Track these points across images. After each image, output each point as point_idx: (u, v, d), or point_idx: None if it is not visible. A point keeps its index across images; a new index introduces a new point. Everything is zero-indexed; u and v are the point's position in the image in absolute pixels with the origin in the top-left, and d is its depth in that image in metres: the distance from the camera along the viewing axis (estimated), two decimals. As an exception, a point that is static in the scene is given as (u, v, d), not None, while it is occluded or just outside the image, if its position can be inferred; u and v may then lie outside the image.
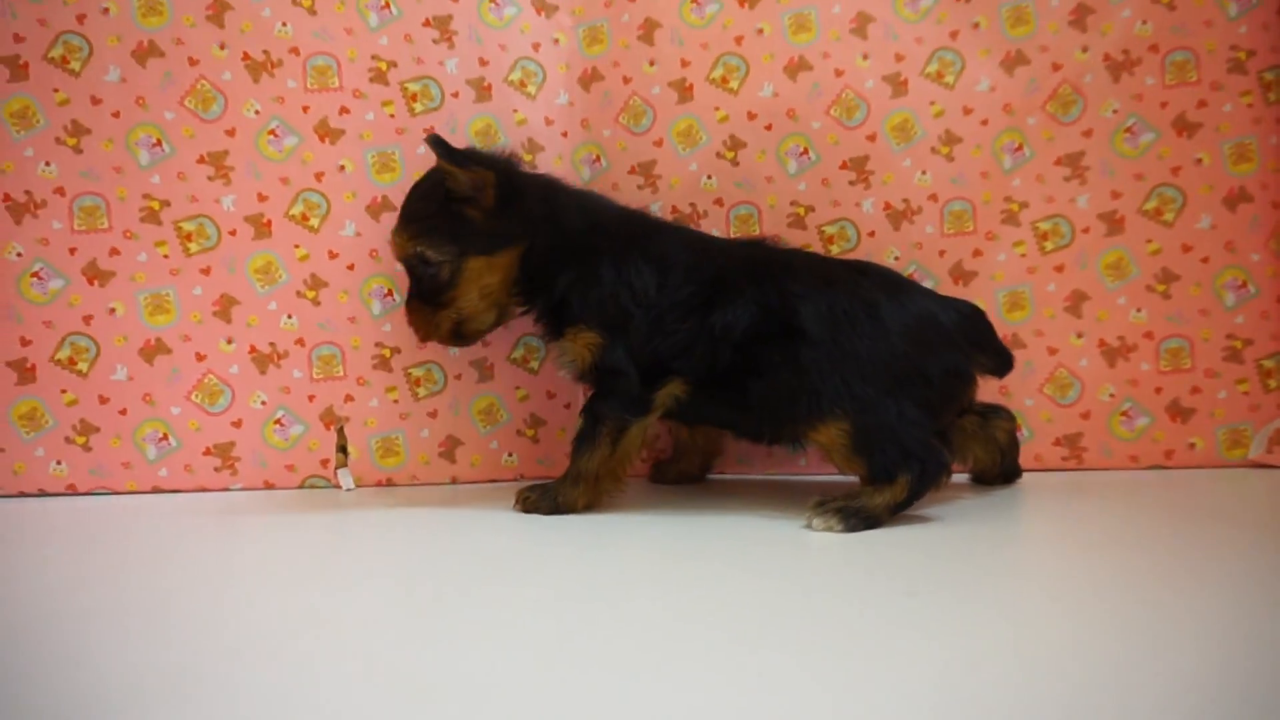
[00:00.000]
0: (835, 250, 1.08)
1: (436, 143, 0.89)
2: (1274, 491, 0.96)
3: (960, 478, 1.01)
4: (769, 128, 1.08)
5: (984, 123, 1.07)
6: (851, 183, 1.08)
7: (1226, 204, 1.06)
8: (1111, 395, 1.07)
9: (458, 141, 1.06)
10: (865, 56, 1.07)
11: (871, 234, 1.08)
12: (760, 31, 1.08)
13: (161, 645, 0.54)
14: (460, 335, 0.95)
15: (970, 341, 0.92)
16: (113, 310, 1.01)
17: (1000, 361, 0.96)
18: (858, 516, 0.81)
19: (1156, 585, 0.63)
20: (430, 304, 0.93)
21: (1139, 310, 1.07)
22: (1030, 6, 1.06)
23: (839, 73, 1.07)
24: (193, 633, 0.56)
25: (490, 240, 0.91)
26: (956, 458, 0.95)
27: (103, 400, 1.01)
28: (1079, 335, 1.07)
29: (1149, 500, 0.92)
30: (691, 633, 0.54)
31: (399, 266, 0.97)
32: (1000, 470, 1.00)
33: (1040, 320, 1.07)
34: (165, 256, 1.02)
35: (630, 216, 0.97)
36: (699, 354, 0.89)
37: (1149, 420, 1.07)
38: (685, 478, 1.07)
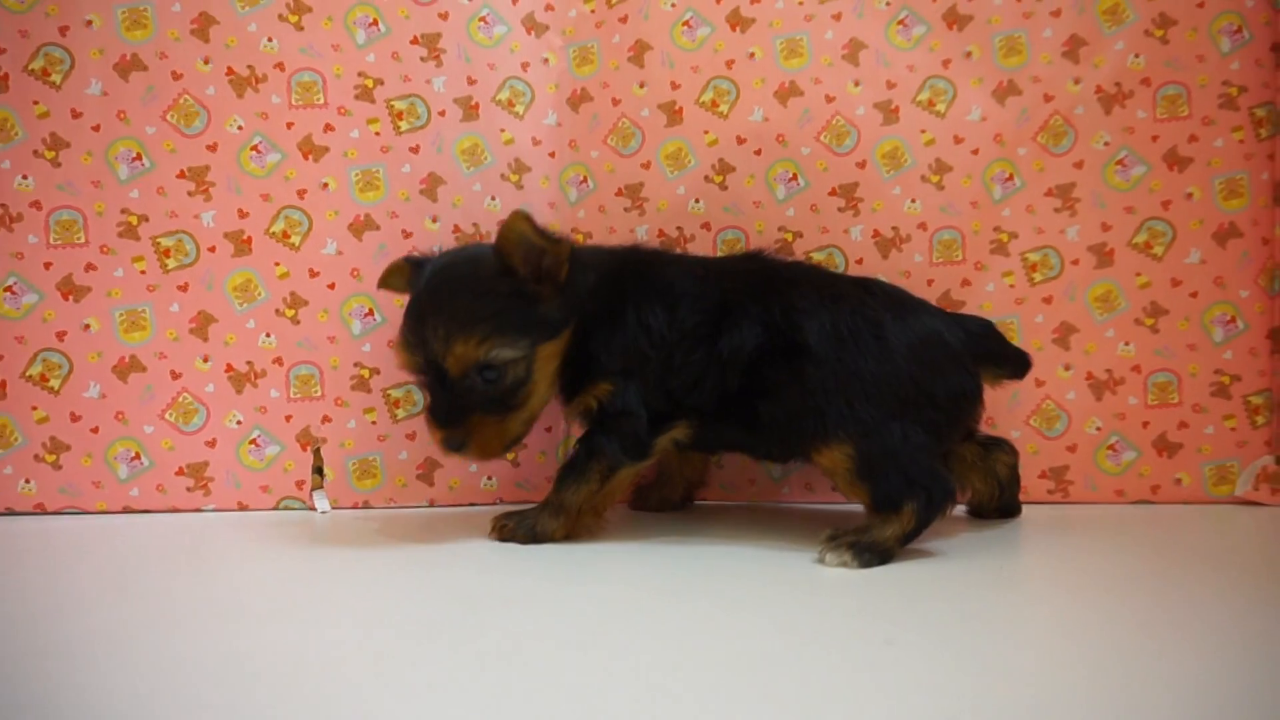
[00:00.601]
0: (823, 277, 1.07)
1: (524, 217, 0.81)
2: (1260, 530, 0.95)
3: (957, 509, 1.00)
4: (758, 152, 1.07)
5: (975, 152, 1.06)
6: (840, 209, 1.07)
7: (1216, 239, 1.05)
8: (1098, 429, 1.06)
9: (444, 161, 1.05)
10: (856, 83, 1.06)
11: (859, 261, 1.07)
12: (751, 56, 1.07)
13: (119, 682, 0.52)
14: (519, 438, 0.88)
15: (980, 358, 0.91)
16: (87, 326, 0.99)
17: (1018, 366, 0.95)
18: (871, 551, 0.79)
19: (1143, 630, 0.62)
20: (498, 412, 0.83)
21: (1127, 344, 1.06)
22: (1023, 37, 1.05)
23: (830, 99, 1.06)
24: (150, 669, 0.54)
25: (555, 322, 0.84)
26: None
27: (74, 418, 0.99)
28: (1066, 368, 1.06)
29: (1135, 538, 0.91)
30: (677, 677, 0.53)
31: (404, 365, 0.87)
32: (998, 504, 0.98)
33: (1028, 351, 1.06)
34: (142, 272, 1.00)
35: (634, 256, 0.94)
36: (710, 384, 0.87)
37: (1135, 454, 1.06)
38: (667, 505, 1.06)
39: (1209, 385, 1.06)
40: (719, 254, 1.08)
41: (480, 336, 0.81)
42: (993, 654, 0.59)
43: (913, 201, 1.06)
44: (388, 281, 0.94)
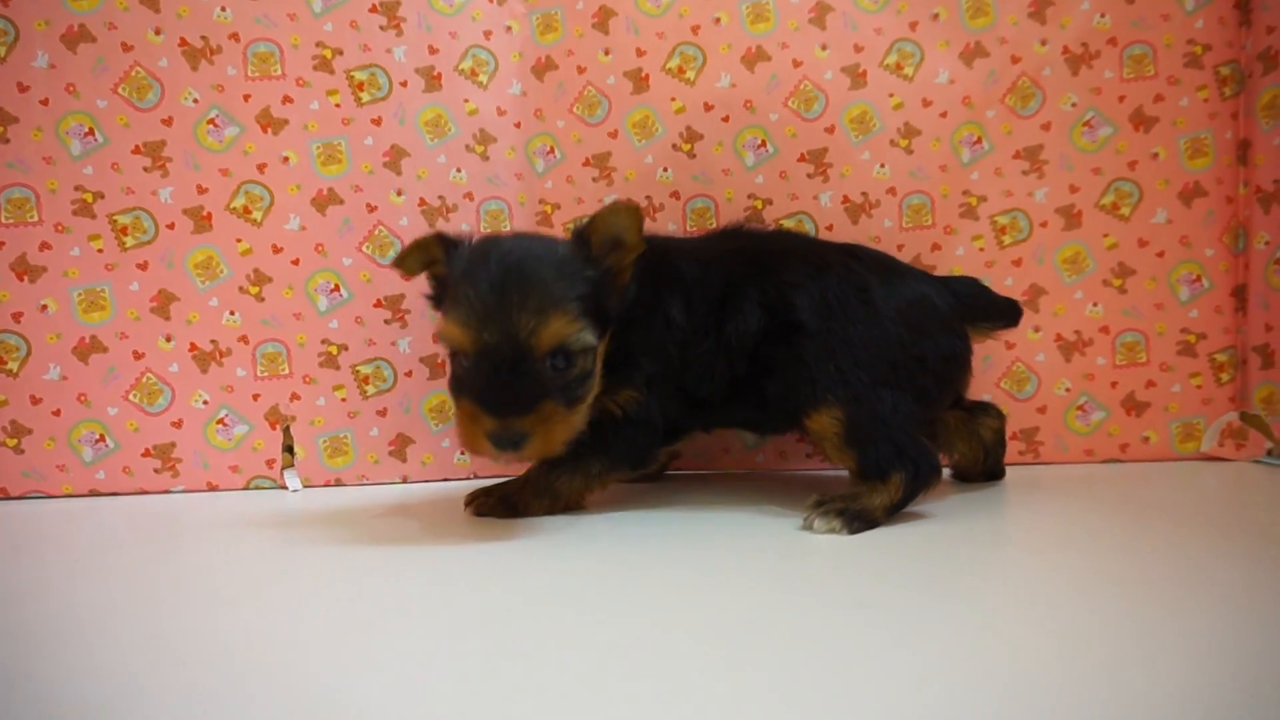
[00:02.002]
0: (793, 244, 1.06)
1: (637, 211, 0.77)
2: (1226, 485, 0.97)
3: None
4: (726, 119, 1.06)
5: (943, 115, 1.05)
6: (810, 175, 1.06)
7: (1182, 199, 1.06)
8: (1068, 389, 1.07)
9: (407, 133, 1.03)
10: (824, 47, 1.05)
11: (830, 227, 1.06)
12: (717, 21, 1.05)
13: (87, 666, 0.51)
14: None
15: (970, 318, 0.91)
16: (44, 307, 0.97)
17: (1010, 314, 0.95)
18: (860, 519, 0.79)
19: (1117, 585, 0.63)
20: (568, 403, 0.77)
21: (1095, 305, 1.07)
22: (989, -3, 1.05)
23: (797, 63, 1.05)
24: (119, 654, 0.54)
25: (610, 320, 0.81)
26: (940, 450, 0.94)
27: (35, 401, 0.97)
28: (1036, 330, 1.07)
29: (1106, 496, 0.92)
30: (665, 646, 0.53)
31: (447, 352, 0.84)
32: (984, 468, 0.98)
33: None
34: (100, 251, 0.98)
35: (654, 247, 0.85)
36: (720, 372, 0.87)
37: (1104, 414, 1.07)
38: (644, 476, 1.05)
39: (1175, 344, 1.07)
40: (688, 224, 1.07)
41: (573, 315, 0.75)
42: (968, 614, 0.59)
43: (882, 166, 1.06)
44: (408, 259, 0.81)
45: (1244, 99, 1.05)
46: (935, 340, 0.87)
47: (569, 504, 0.88)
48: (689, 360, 0.86)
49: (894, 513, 0.81)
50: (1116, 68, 1.05)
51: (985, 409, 0.99)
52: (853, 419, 0.82)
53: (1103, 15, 1.04)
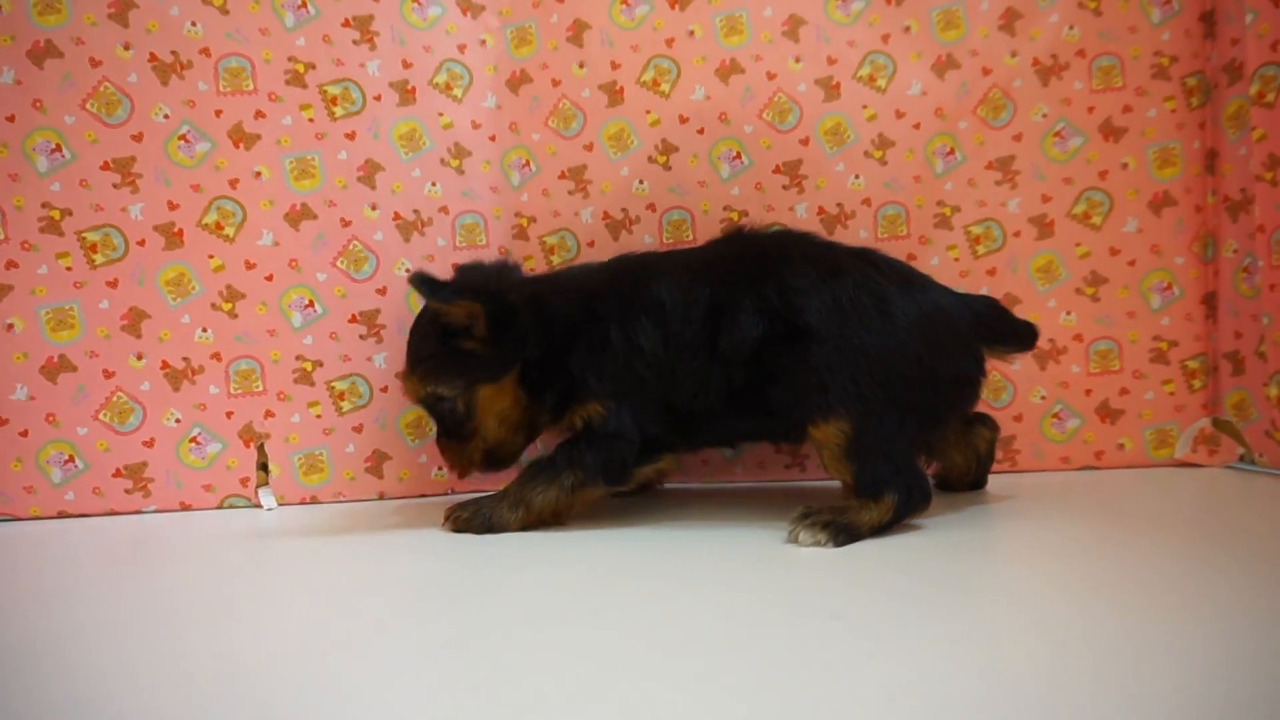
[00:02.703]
0: (770, 256, 1.07)
1: (421, 282, 0.84)
2: (1200, 490, 0.97)
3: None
4: (701, 131, 1.06)
5: (916, 126, 1.06)
6: (785, 187, 1.06)
7: (1152, 208, 1.07)
8: (1043, 397, 1.08)
9: (381, 147, 1.03)
10: (797, 59, 1.06)
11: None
12: (691, 34, 1.06)
13: (55, 692, 0.50)
14: (496, 461, 0.93)
15: (986, 339, 0.89)
16: (10, 326, 0.95)
17: (1024, 339, 0.93)
18: (845, 532, 0.78)
19: (1096, 593, 0.63)
20: (457, 439, 0.91)
21: (1069, 313, 1.08)
22: (960, 10, 1.06)
23: (771, 76, 1.06)
24: (89, 679, 0.52)
25: (494, 366, 0.88)
26: (935, 461, 0.95)
27: (1, 421, 0.95)
28: (1011, 339, 1.08)
29: (1083, 504, 0.93)
30: (647, 662, 0.52)
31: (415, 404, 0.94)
32: (972, 478, 0.98)
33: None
34: (68, 269, 0.96)
35: (615, 271, 0.92)
36: (714, 385, 0.86)
37: (1080, 422, 1.08)
38: (622, 490, 1.05)
39: (1148, 351, 1.08)
40: (665, 236, 1.07)
41: (420, 375, 0.90)
42: (945, 624, 0.59)
43: (856, 177, 1.06)
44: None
45: (1210, 109, 1.06)
46: (952, 359, 0.85)
47: (544, 517, 0.87)
48: (677, 381, 0.86)
49: (879, 533, 0.80)
50: (1086, 79, 1.06)
51: (982, 419, 0.98)
52: (858, 433, 0.81)
53: (1071, 27, 1.06)
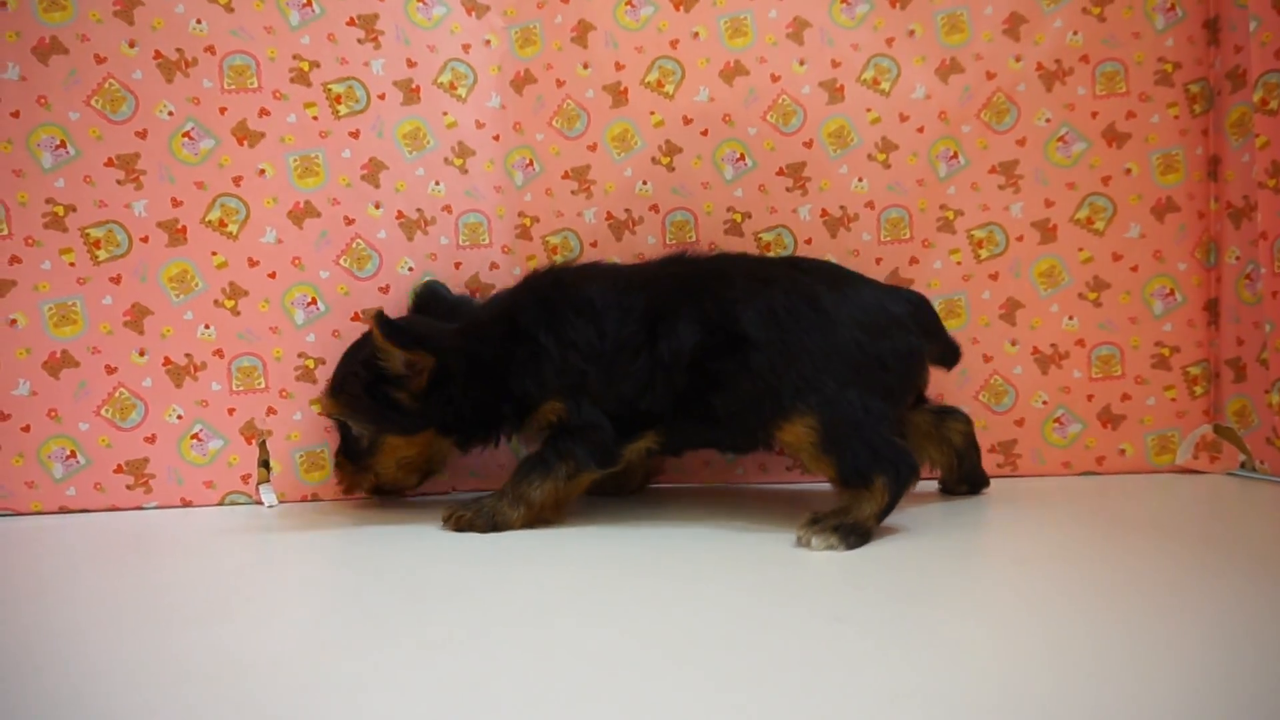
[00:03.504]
0: (772, 258, 1.07)
1: (382, 322, 0.85)
2: (1201, 497, 0.98)
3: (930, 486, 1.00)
4: (705, 133, 1.06)
5: (920, 130, 1.06)
6: (788, 189, 1.06)
7: (1155, 213, 1.07)
8: (1044, 402, 1.08)
9: (385, 146, 1.03)
10: (801, 62, 1.06)
11: (809, 241, 1.07)
12: (696, 35, 1.06)
13: (55, 687, 0.50)
14: (383, 493, 0.99)
15: (920, 328, 0.91)
16: (13, 322, 0.95)
17: (948, 352, 0.96)
18: (855, 533, 0.78)
19: (1097, 599, 0.63)
20: (352, 462, 0.95)
21: (1071, 318, 1.08)
22: (965, 15, 1.06)
23: (775, 78, 1.06)
24: (87, 675, 0.53)
25: (410, 421, 0.91)
26: None
27: (3, 417, 0.95)
28: (1013, 343, 1.08)
29: (1084, 509, 0.93)
30: (647, 661, 0.52)
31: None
32: (961, 475, 0.99)
33: (975, 328, 1.08)
34: (71, 265, 0.96)
35: (533, 284, 0.94)
36: (660, 387, 0.87)
37: (1081, 427, 1.08)
38: (623, 490, 1.05)
39: (1150, 357, 1.08)
40: (668, 236, 1.07)
41: (338, 403, 0.92)
42: (945, 628, 0.59)
43: (860, 180, 1.06)
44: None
45: (1214, 116, 1.06)
46: (892, 339, 0.87)
47: (544, 511, 0.88)
48: (618, 375, 0.88)
49: (883, 518, 0.81)
50: (1089, 84, 1.06)
51: (953, 413, 0.99)
52: (826, 425, 0.82)
53: (1075, 33, 1.06)
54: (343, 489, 0.98)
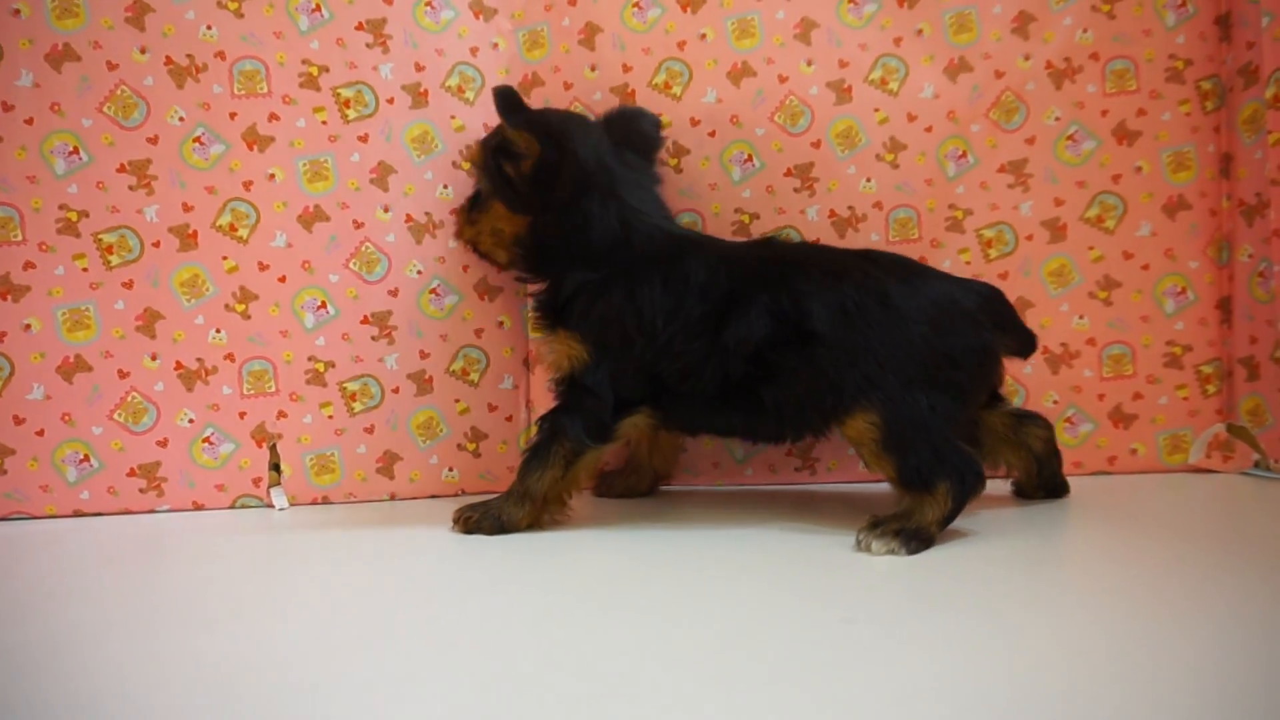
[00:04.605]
0: (781, 259, 1.06)
1: (504, 97, 0.89)
2: (1214, 496, 0.97)
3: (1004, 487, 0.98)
4: (712, 134, 1.06)
5: (928, 130, 1.06)
6: (796, 190, 1.06)
7: (1166, 212, 1.06)
8: (1055, 402, 1.07)
9: (394, 150, 1.03)
10: (809, 63, 1.06)
11: (817, 241, 1.06)
12: (703, 37, 1.06)
13: (70, 689, 0.51)
14: (476, 250, 1.02)
15: (993, 321, 0.88)
16: (28, 326, 0.96)
17: (1023, 342, 0.93)
18: (917, 538, 0.77)
19: (1112, 599, 0.63)
20: (468, 213, 1.00)
21: (1081, 317, 1.07)
22: (973, 14, 1.06)
23: (783, 79, 1.06)
24: (102, 677, 0.53)
25: (515, 199, 0.94)
26: (986, 460, 0.91)
27: (18, 421, 0.96)
28: (1023, 343, 1.07)
29: (1096, 509, 0.92)
30: (657, 662, 0.52)
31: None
32: (1040, 481, 0.96)
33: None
34: (84, 270, 0.97)
35: (664, 237, 0.92)
36: (710, 372, 0.86)
37: (1092, 426, 1.07)
38: (633, 492, 1.05)
39: (1161, 356, 1.07)
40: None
41: (472, 150, 1.00)
42: (958, 628, 0.59)
43: (868, 180, 1.06)
44: None
45: (1225, 113, 1.06)
46: (963, 336, 0.85)
47: (549, 502, 0.88)
48: (671, 354, 0.87)
49: (946, 524, 0.80)
50: (1099, 82, 1.06)
51: (1033, 418, 0.95)
52: (890, 422, 0.81)
53: (1085, 31, 1.05)
54: (454, 233, 1.04)
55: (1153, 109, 1.06)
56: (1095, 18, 1.05)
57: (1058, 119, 1.06)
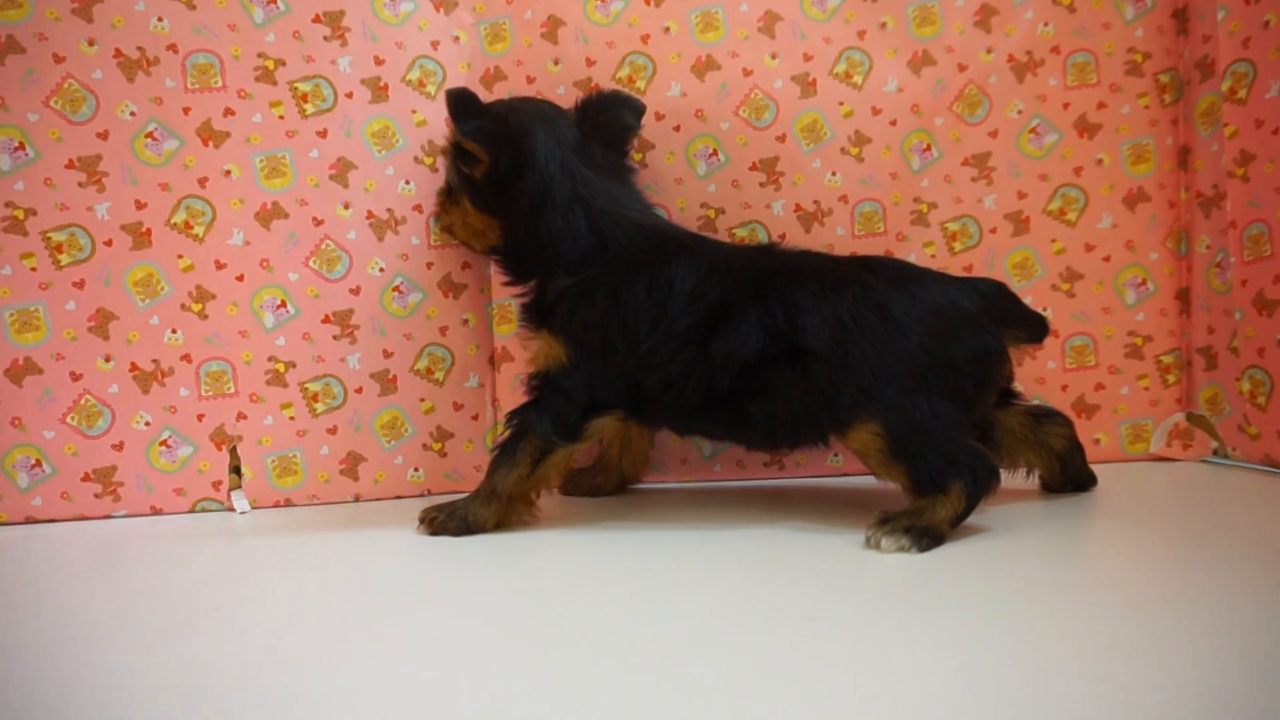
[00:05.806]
0: (747, 253, 1.06)
1: (456, 100, 0.88)
2: (1175, 484, 0.98)
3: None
4: (677, 128, 1.05)
5: (893, 123, 1.06)
6: (762, 184, 1.06)
7: (1126, 204, 1.08)
8: (1020, 393, 1.08)
9: (354, 145, 1.01)
10: (773, 56, 1.05)
11: (783, 236, 1.06)
12: (667, 30, 1.05)
13: (21, 701, 0.49)
14: (455, 237, 1.01)
15: (997, 320, 0.86)
16: (-26, 329, 0.93)
17: (1034, 329, 0.90)
18: (929, 536, 0.76)
19: (1078, 590, 0.63)
20: (444, 199, 0.99)
21: (1045, 309, 1.08)
22: (936, 7, 1.06)
23: (747, 72, 1.05)
24: (55, 687, 0.51)
25: (480, 200, 0.93)
26: (1005, 461, 0.91)
27: (-35, 426, 0.93)
28: (988, 335, 1.08)
29: (1061, 498, 0.93)
30: (621, 666, 0.52)
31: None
32: (1065, 478, 0.94)
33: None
34: (33, 270, 0.94)
35: (646, 235, 0.90)
36: (694, 385, 0.85)
37: (1056, 417, 1.08)
38: (599, 492, 1.04)
39: (1123, 347, 1.08)
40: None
41: (452, 134, 0.93)
42: (920, 625, 0.59)
43: (833, 174, 1.06)
44: None
45: (1183, 106, 1.07)
46: (965, 342, 0.83)
47: (516, 501, 0.87)
48: (654, 364, 0.85)
49: (958, 523, 0.79)
50: (1060, 75, 1.07)
51: (1051, 416, 0.94)
52: (893, 431, 0.80)
53: (1046, 24, 1.06)
54: (433, 212, 1.03)
55: (1113, 102, 1.07)
56: (1056, 11, 1.06)
57: (1020, 112, 1.07)
